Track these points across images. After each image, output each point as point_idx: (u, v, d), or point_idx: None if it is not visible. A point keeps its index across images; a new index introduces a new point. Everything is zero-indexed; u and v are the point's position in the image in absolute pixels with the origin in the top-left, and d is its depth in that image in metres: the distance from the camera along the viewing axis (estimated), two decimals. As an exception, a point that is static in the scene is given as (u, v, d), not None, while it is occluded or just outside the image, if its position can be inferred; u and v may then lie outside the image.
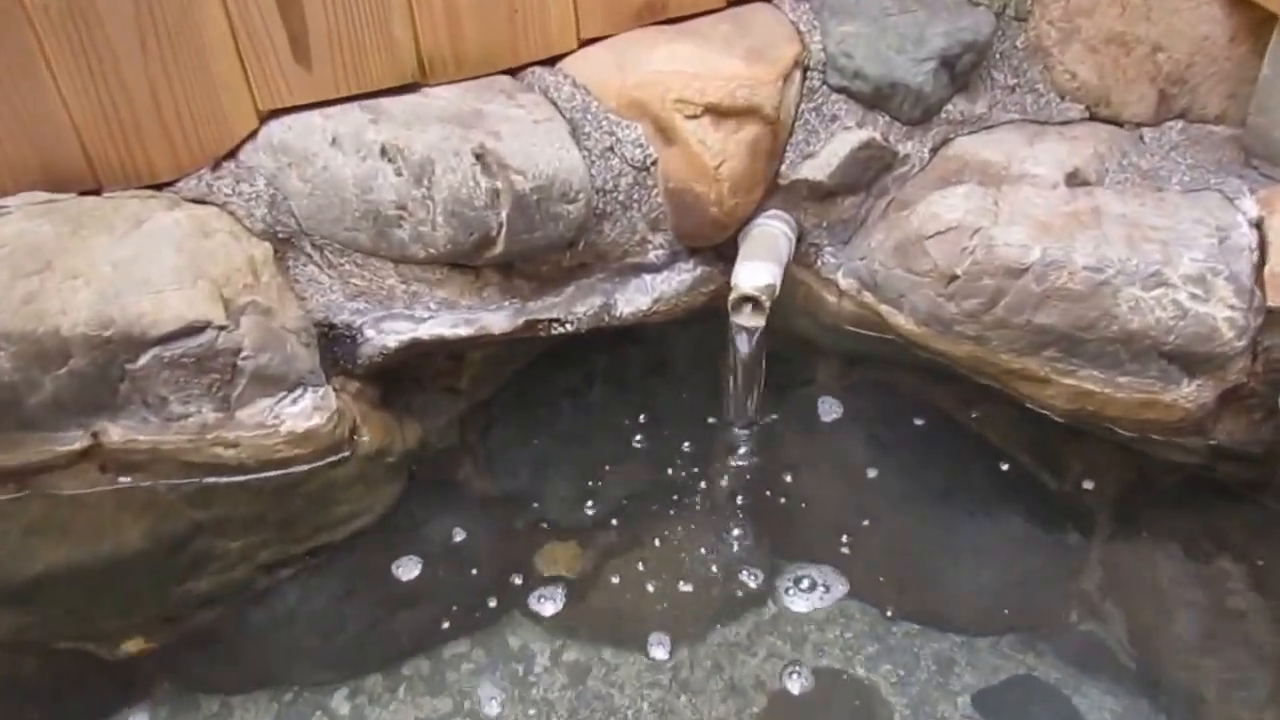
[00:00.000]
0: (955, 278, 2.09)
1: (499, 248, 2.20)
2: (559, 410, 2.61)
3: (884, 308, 2.28)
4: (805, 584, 2.24)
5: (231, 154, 2.18)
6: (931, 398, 2.56)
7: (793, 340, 2.50)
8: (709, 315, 2.47)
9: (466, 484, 2.54)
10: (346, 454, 2.28)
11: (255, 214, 2.20)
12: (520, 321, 2.43)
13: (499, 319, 2.50)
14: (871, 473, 2.46)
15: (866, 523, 2.34)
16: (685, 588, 2.28)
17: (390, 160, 2.10)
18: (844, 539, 2.33)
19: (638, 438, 2.55)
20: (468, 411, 2.58)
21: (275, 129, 2.16)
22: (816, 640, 2.15)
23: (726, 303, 2.29)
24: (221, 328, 2.18)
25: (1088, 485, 2.38)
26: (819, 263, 2.50)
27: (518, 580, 2.32)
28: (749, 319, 2.26)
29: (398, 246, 2.17)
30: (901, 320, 2.24)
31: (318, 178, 2.12)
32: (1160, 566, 2.26)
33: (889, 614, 2.19)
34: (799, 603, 2.22)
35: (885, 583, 2.24)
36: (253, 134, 2.17)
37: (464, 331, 2.48)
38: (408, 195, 2.11)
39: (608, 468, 2.50)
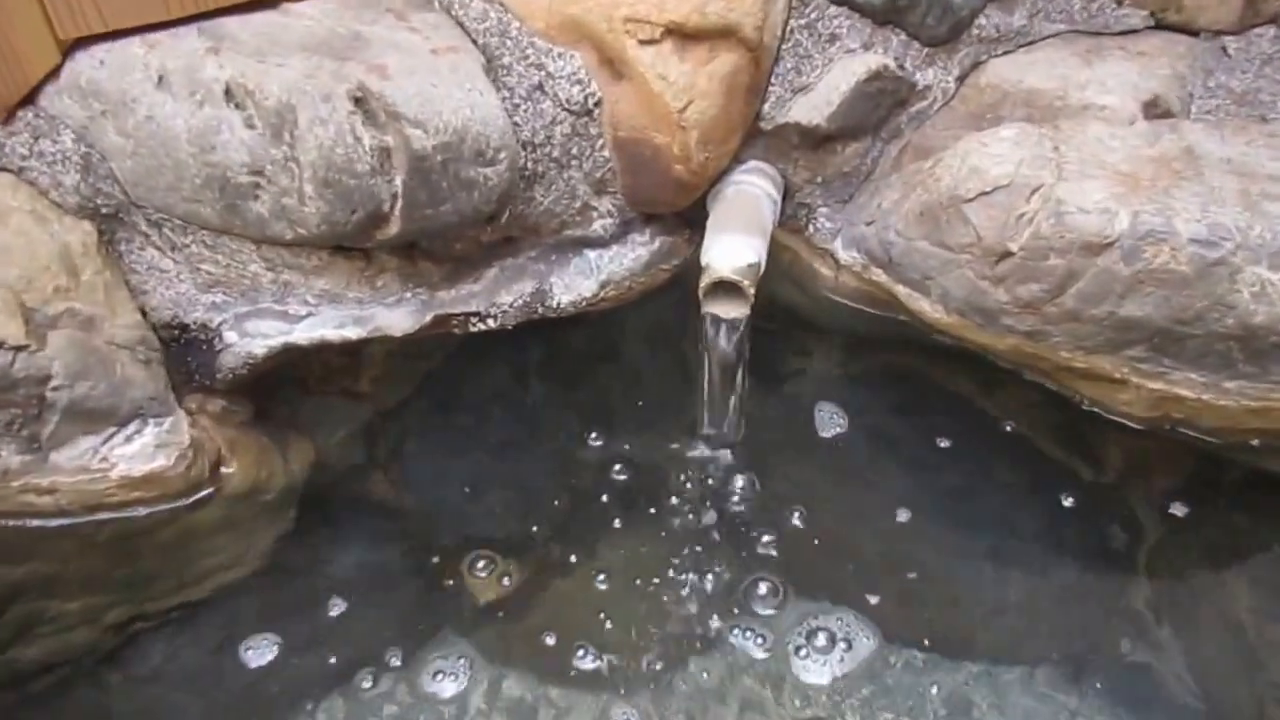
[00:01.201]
0: (1007, 254, 1.69)
1: (394, 227, 1.76)
2: (488, 418, 2.25)
3: (901, 289, 1.95)
4: (814, 640, 1.91)
5: (27, 100, 1.69)
6: (951, 389, 2.26)
7: (776, 312, 2.20)
8: (673, 297, 2.14)
9: (374, 513, 2.17)
10: (209, 492, 1.91)
11: (65, 183, 1.75)
12: (427, 318, 1.88)
13: (399, 316, 1.92)
14: (879, 493, 2.11)
15: (879, 561, 2.01)
16: (652, 655, 1.92)
17: (238, 106, 1.65)
18: (850, 583, 1.97)
19: (588, 454, 2.19)
20: (374, 420, 2.22)
21: (84, 64, 1.67)
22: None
23: (696, 287, 1.94)
24: (19, 348, 1.66)
25: (1145, 494, 2.07)
26: (811, 228, 2.04)
27: (438, 631, 1.95)
28: (726, 308, 1.74)
29: (256, 225, 1.73)
30: (926, 307, 1.74)
31: (141, 131, 1.67)
32: (1232, 592, 1.95)
33: (910, 665, 1.87)
34: (810, 667, 1.89)
35: (904, 631, 1.92)
36: (54, 72, 1.67)
37: (353, 333, 1.91)
38: (264, 156, 1.66)
39: (551, 493, 2.15)
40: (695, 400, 2.06)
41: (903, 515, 2.06)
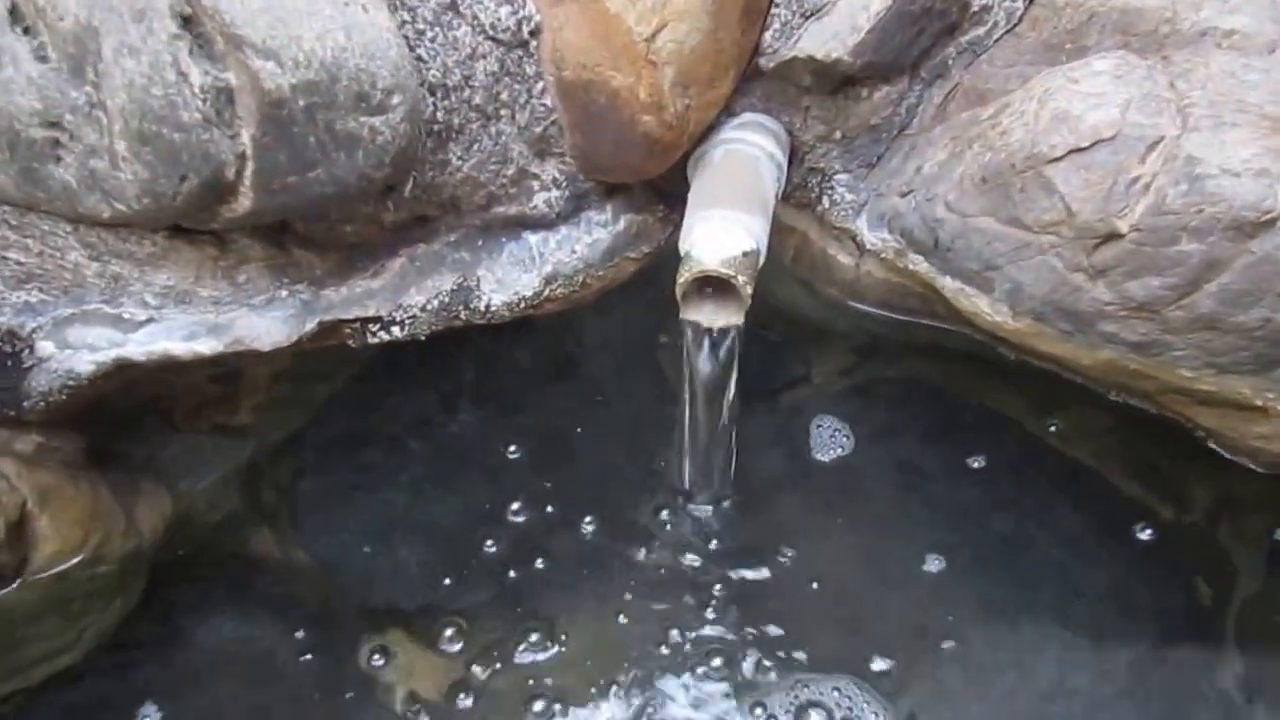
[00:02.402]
0: (1114, 236, 1.29)
1: (245, 201, 1.31)
2: (404, 455, 1.83)
3: (949, 284, 1.54)
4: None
5: None
6: (996, 409, 1.84)
7: (776, 317, 1.88)
8: (646, 297, 1.75)
9: (254, 577, 1.74)
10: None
11: None
12: (309, 325, 1.41)
13: (270, 323, 1.44)
14: (903, 538, 1.72)
15: (899, 621, 1.65)
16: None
17: (26, 31, 1.24)
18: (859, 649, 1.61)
19: (532, 501, 1.78)
20: (257, 460, 1.81)
21: None
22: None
23: (674, 286, 1.46)
24: None
25: (1238, 540, 1.71)
26: (826, 202, 1.72)
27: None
28: (713, 313, 1.28)
29: (64, 197, 1.32)
30: (985, 308, 1.43)
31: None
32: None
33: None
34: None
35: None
36: None
37: (206, 346, 1.44)
38: (62, 101, 1.25)
39: (484, 552, 1.75)
40: (674, 438, 1.55)
41: (932, 564, 1.71)
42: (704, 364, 1.47)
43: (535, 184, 1.53)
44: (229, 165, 1.27)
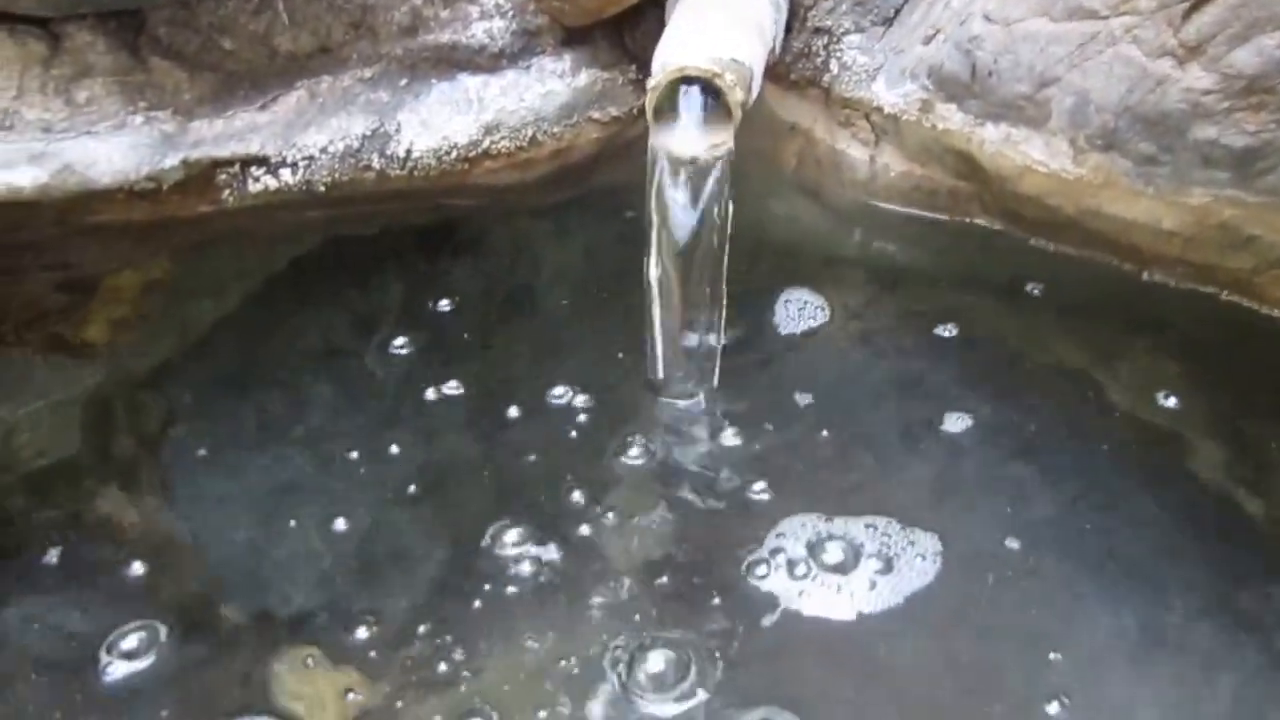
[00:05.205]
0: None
1: None
2: (309, 397, 1.39)
3: (990, 134, 1.24)
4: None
5: None
6: (1046, 359, 1.38)
7: (766, 247, 1.47)
8: (614, 178, 1.43)
9: (97, 549, 1.25)
10: None
11: None
12: (171, 162, 1.04)
13: (114, 150, 1.07)
14: (924, 523, 1.21)
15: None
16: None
17: None
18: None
19: (470, 452, 1.31)
20: (110, 392, 1.38)
21: None
22: None
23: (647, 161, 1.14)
24: None
25: None
26: (834, 67, 1.44)
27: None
28: (691, 141, 0.80)
29: None
30: (1038, 154, 1.20)
31: None
32: None
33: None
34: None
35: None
36: None
37: (27, 179, 1.06)
38: None
39: (411, 522, 1.25)
40: (642, 323, 1.19)
41: (960, 551, 1.20)
42: (680, 209, 1.12)
43: (473, 9, 1.23)
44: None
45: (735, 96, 1.07)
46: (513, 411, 1.32)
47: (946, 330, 1.41)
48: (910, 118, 1.30)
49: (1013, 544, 1.17)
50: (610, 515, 1.20)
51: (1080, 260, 1.40)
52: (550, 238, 1.51)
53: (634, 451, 1.25)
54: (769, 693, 1.05)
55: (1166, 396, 1.32)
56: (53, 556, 1.25)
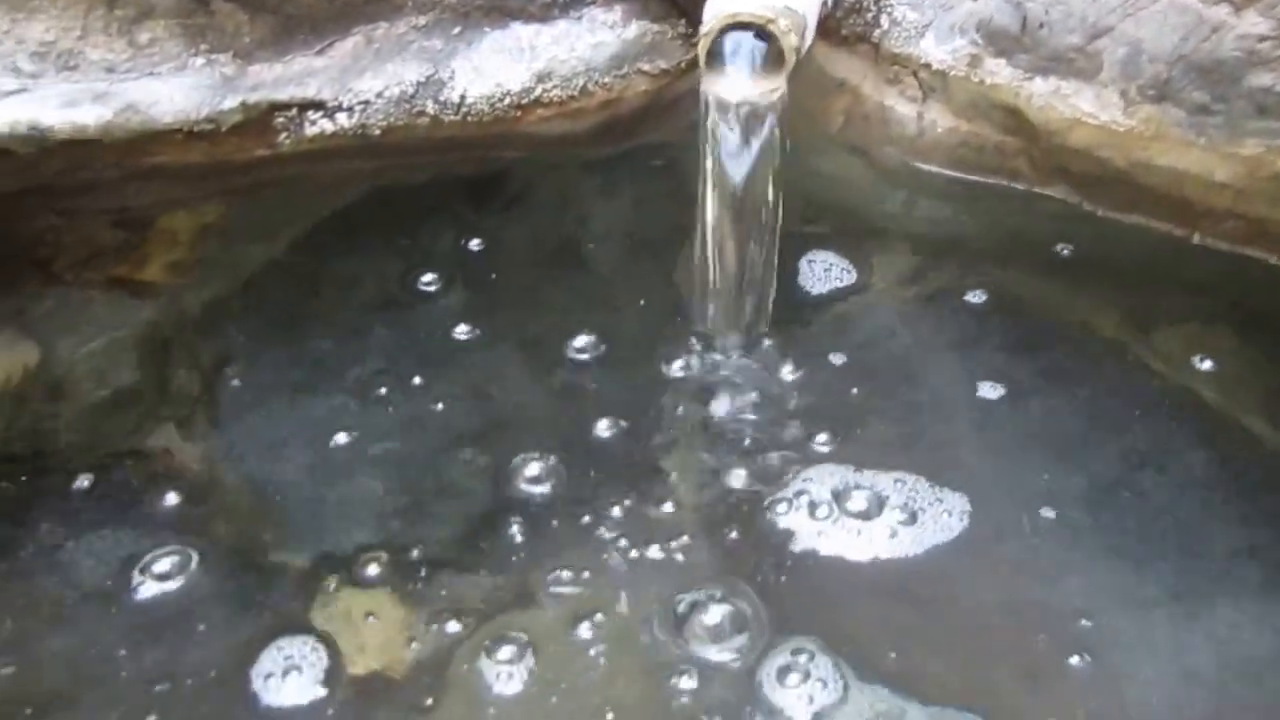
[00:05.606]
0: None
1: None
2: (360, 342, 1.41)
3: (1039, 87, 1.23)
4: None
5: None
6: (1084, 330, 1.38)
7: (817, 209, 1.49)
8: (664, 133, 1.44)
9: (153, 485, 1.28)
10: None
11: None
12: (228, 102, 1.07)
13: (175, 91, 1.09)
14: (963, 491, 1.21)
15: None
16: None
17: None
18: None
19: (521, 375, 1.36)
20: (168, 330, 1.40)
21: None
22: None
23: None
24: None
25: None
26: (884, 22, 1.41)
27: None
28: (745, 85, 0.83)
29: None
30: (1088, 106, 1.19)
31: None
32: None
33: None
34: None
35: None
36: None
37: (91, 116, 1.08)
38: None
39: (463, 467, 1.28)
40: (691, 275, 1.21)
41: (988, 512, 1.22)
42: (731, 156, 1.13)
43: (526, -40, 1.24)
44: None
45: (789, 42, 1.08)
46: (559, 356, 1.34)
47: (988, 294, 1.41)
48: (958, 73, 1.31)
49: (1045, 510, 1.18)
50: (653, 454, 1.23)
51: (1126, 225, 1.39)
52: (597, 191, 1.52)
53: (678, 393, 1.28)
54: (783, 624, 1.08)
55: (1211, 362, 1.32)
56: (103, 489, 1.29)
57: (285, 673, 1.09)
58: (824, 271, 1.42)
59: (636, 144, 1.49)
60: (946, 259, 1.50)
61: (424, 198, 1.52)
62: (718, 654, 1.07)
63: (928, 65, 1.34)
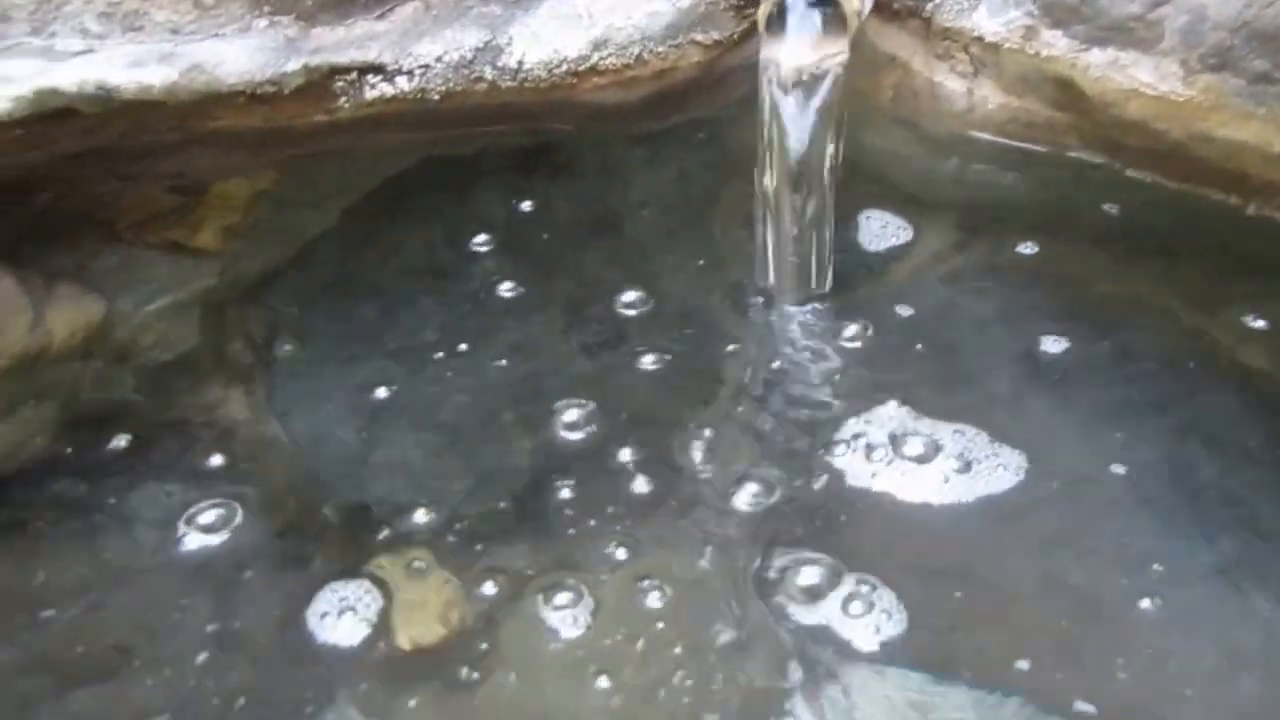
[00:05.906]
0: None
1: None
2: (409, 310, 1.44)
3: (1096, 58, 1.21)
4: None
5: None
6: (1144, 305, 1.36)
7: (865, 181, 1.46)
8: (718, 107, 1.45)
9: (214, 446, 1.30)
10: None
11: None
12: (293, 66, 1.08)
13: (239, 52, 1.10)
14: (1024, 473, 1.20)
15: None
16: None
17: None
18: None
19: (571, 370, 1.36)
20: (224, 296, 1.43)
21: None
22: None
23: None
24: None
25: None
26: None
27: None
28: (805, 50, 0.82)
29: None
30: (1146, 76, 1.17)
31: None
32: None
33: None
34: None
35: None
36: None
37: (156, 76, 1.11)
38: None
39: (512, 437, 1.29)
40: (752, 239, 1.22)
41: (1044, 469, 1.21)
42: (791, 122, 1.14)
43: (585, -76, 1.25)
44: None
45: (851, 5, 1.09)
46: (617, 317, 1.38)
47: (1041, 259, 1.41)
48: (1012, 45, 1.30)
49: (1102, 469, 1.18)
50: (719, 407, 1.27)
51: (1180, 194, 1.37)
52: (647, 164, 1.53)
53: (738, 347, 1.33)
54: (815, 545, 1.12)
55: (1267, 332, 1.32)
56: (165, 447, 1.30)
57: (340, 613, 1.11)
58: (880, 228, 1.43)
59: (687, 117, 1.49)
60: (997, 224, 1.50)
61: (473, 168, 1.54)
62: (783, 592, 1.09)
63: (980, 38, 1.34)
